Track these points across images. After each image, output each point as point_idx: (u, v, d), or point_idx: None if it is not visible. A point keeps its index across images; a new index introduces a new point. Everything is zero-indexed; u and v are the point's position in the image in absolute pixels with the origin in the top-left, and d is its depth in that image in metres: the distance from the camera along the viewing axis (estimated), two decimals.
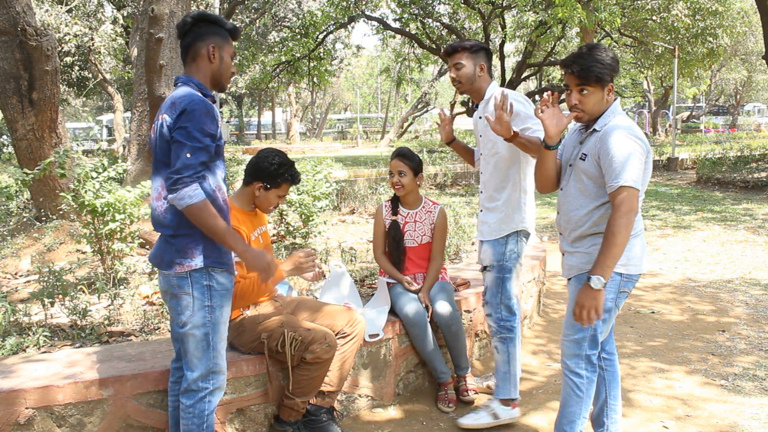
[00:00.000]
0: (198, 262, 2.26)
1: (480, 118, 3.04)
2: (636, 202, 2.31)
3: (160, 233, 2.35)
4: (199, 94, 2.26)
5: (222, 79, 2.41)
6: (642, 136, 2.38)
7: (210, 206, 2.20)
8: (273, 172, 2.79)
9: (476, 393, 3.35)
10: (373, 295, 3.58)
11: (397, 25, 18.71)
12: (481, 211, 3.11)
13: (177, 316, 2.32)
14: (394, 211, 3.53)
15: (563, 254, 2.62)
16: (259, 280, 2.48)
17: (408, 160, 3.42)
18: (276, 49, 19.91)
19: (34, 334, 3.10)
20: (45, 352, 2.97)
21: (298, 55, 17.36)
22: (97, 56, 18.57)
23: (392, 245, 3.51)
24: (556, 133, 2.46)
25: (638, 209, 2.34)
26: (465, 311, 3.68)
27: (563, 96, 2.56)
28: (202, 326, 2.29)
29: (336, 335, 2.85)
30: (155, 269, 4.00)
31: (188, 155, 2.15)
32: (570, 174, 2.53)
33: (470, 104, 19.00)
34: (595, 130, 2.43)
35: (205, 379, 2.33)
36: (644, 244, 2.51)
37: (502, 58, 19.32)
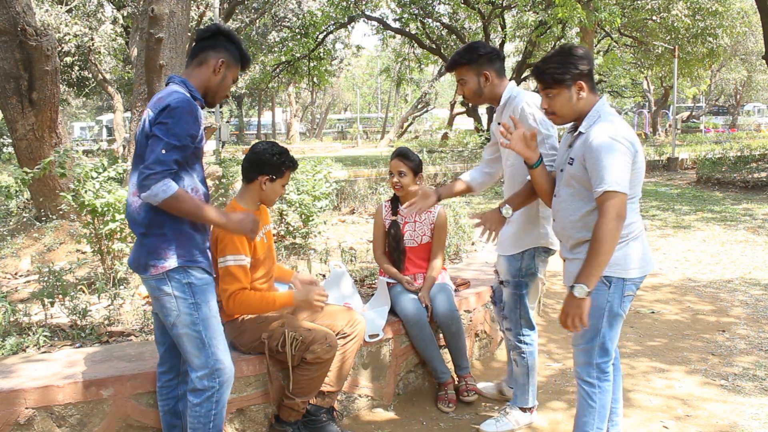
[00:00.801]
0: (172, 262, 2.23)
1: (498, 124, 2.86)
2: (623, 207, 2.22)
3: (136, 233, 2.31)
4: (187, 95, 2.24)
5: (216, 95, 2.39)
6: (628, 136, 2.28)
7: (184, 194, 2.17)
8: (276, 162, 2.77)
9: (476, 393, 3.35)
10: (373, 295, 3.58)
11: (397, 25, 18.74)
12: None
13: (165, 318, 2.29)
14: (394, 212, 3.53)
15: (564, 261, 2.56)
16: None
17: (408, 160, 3.42)
18: (276, 49, 19.94)
19: (34, 334, 3.10)
20: (45, 352, 2.97)
21: (298, 55, 17.38)
22: (97, 56, 18.57)
23: (392, 245, 3.51)
24: (529, 154, 2.48)
25: (626, 214, 2.23)
26: (465, 311, 3.68)
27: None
28: (191, 324, 2.27)
29: (336, 335, 2.85)
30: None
31: (163, 151, 2.12)
32: (561, 179, 2.47)
33: (469, 104, 19.01)
34: (581, 132, 2.37)
35: (210, 377, 2.31)
36: (645, 246, 2.42)
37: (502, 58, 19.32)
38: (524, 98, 2.77)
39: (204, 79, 2.34)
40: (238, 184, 3.00)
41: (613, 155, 2.22)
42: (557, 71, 2.34)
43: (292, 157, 2.85)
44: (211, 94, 2.38)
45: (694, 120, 36.48)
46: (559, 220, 2.50)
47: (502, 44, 19.11)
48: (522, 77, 19.57)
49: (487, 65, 2.80)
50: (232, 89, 2.56)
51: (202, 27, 2.43)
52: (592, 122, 2.34)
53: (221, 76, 2.36)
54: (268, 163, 2.76)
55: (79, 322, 3.34)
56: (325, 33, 18.12)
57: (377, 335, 3.16)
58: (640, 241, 2.40)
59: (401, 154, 3.42)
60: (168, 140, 2.13)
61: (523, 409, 3.06)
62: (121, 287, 3.97)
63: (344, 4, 16.98)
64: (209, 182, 5.69)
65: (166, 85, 2.34)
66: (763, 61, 16.71)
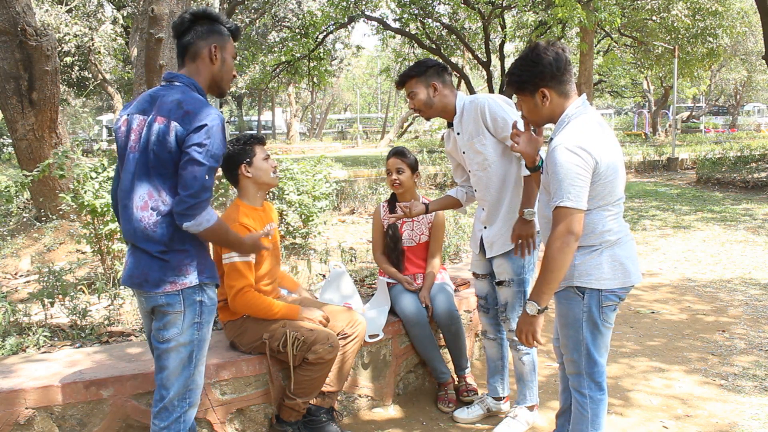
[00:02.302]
0: (192, 278, 2.12)
1: (458, 134, 2.91)
2: (576, 224, 2.10)
3: (142, 249, 2.12)
4: (215, 107, 2.12)
5: (222, 82, 2.25)
6: (588, 145, 2.12)
7: (222, 221, 2.13)
8: (238, 149, 2.78)
9: (476, 393, 3.35)
10: (373, 295, 3.58)
11: (397, 25, 18.71)
12: (485, 228, 2.95)
13: (159, 332, 2.14)
14: (392, 212, 3.53)
15: None
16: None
17: (405, 157, 3.43)
18: (276, 49, 19.92)
19: (34, 334, 3.10)
20: (45, 352, 2.97)
21: (298, 55, 17.36)
22: (97, 56, 18.58)
23: (390, 246, 3.51)
24: (531, 157, 2.45)
25: (581, 229, 2.12)
26: (465, 311, 3.68)
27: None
28: (189, 344, 2.15)
29: (336, 336, 2.86)
30: None
31: (206, 177, 2.02)
32: (542, 184, 2.41)
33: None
34: (551, 138, 2.25)
35: (181, 396, 2.18)
36: (627, 257, 2.27)
37: (502, 58, 19.32)
38: (483, 96, 2.83)
39: (207, 73, 2.20)
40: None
41: (567, 168, 2.10)
42: (519, 79, 2.28)
43: (250, 134, 2.88)
44: (218, 82, 2.24)
45: (694, 120, 36.46)
46: (540, 225, 2.47)
47: (502, 44, 19.10)
48: None
49: (434, 77, 2.88)
50: (232, 89, 2.53)
51: (175, 20, 2.25)
52: (559, 129, 2.23)
53: (220, 62, 2.21)
54: (233, 155, 2.78)
55: (79, 322, 3.34)
56: (325, 33, 18.09)
57: (377, 335, 3.16)
58: (621, 249, 2.26)
59: (398, 153, 3.45)
60: (210, 164, 2.03)
61: (530, 408, 3.07)
62: (121, 287, 3.97)
63: (344, 4, 16.94)
64: None
65: (168, 81, 2.17)
66: (763, 61, 16.71)
